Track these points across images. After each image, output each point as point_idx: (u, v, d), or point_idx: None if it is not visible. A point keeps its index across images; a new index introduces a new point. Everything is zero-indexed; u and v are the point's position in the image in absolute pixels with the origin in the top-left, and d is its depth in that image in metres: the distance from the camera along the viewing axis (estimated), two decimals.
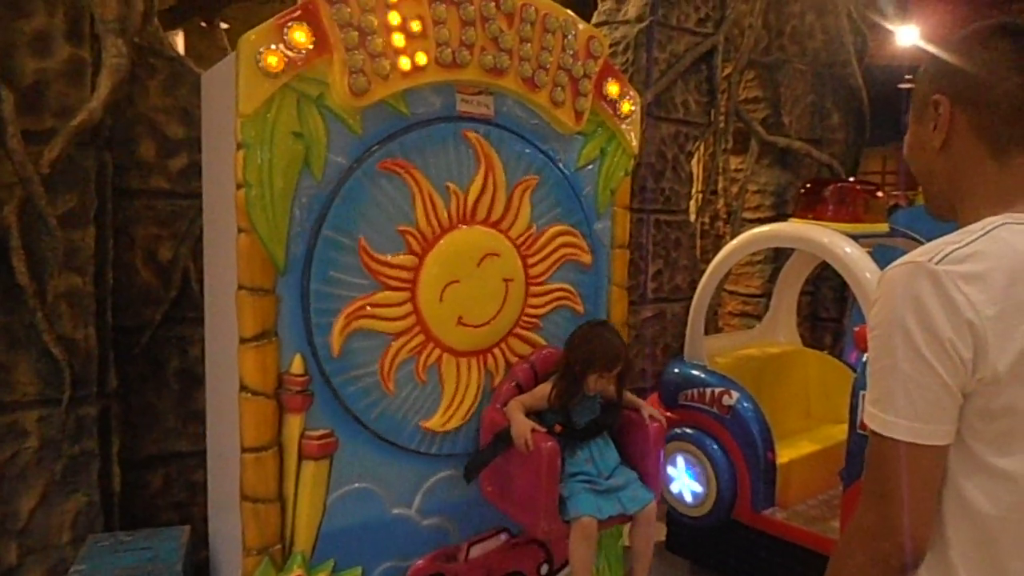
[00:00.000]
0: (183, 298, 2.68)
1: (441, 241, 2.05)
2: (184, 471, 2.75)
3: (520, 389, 2.17)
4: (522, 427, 2.02)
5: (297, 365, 1.91)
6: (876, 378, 0.95)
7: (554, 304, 2.31)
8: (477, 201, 2.11)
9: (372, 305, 1.98)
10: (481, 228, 2.13)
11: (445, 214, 2.06)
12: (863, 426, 2.53)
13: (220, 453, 2.24)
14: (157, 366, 2.70)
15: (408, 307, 2.03)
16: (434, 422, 2.12)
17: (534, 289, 2.25)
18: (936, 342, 0.89)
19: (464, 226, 2.10)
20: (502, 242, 2.17)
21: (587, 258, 2.36)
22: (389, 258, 1.99)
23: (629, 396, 2.25)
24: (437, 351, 2.10)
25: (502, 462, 2.12)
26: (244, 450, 1.90)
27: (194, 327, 2.61)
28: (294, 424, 1.93)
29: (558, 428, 2.08)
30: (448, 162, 2.06)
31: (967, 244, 0.94)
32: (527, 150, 2.20)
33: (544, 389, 2.13)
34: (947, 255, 0.92)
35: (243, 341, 1.87)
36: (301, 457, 1.94)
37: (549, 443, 2.01)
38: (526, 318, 2.25)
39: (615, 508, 2.10)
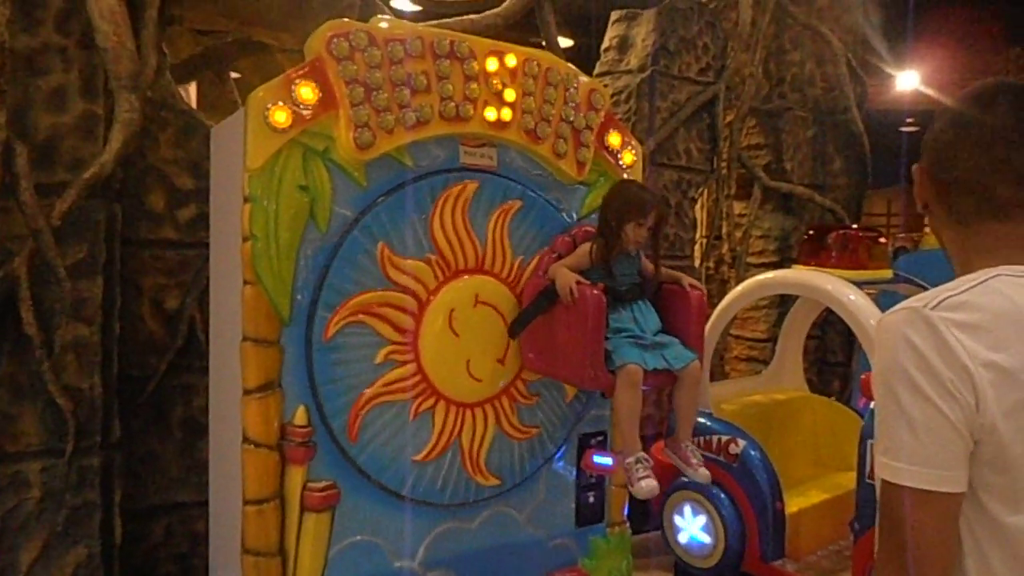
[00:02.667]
0: (189, 347, 2.69)
1: (441, 291, 2.06)
2: (186, 521, 2.73)
3: (560, 259, 2.19)
4: (566, 278, 2.03)
5: (300, 416, 1.91)
6: (884, 427, 0.95)
7: (537, 404, 2.28)
8: (476, 251, 2.13)
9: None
10: (481, 277, 2.13)
11: (442, 267, 2.07)
12: (872, 475, 2.50)
13: (222, 505, 2.22)
14: (161, 415, 2.70)
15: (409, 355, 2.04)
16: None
17: (520, 383, 2.24)
18: (939, 383, 0.89)
19: (467, 276, 2.11)
20: (502, 291, 2.18)
21: None
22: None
23: (668, 270, 2.27)
24: (437, 400, 2.10)
25: (545, 322, 2.11)
26: (246, 502, 1.89)
27: (199, 376, 2.62)
28: (296, 476, 1.92)
29: (601, 286, 2.07)
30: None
31: (962, 292, 0.96)
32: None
33: (584, 248, 2.15)
34: (942, 301, 0.94)
35: (246, 392, 1.88)
36: (303, 509, 1.92)
37: (594, 290, 2.01)
38: (513, 390, 2.22)
39: (660, 363, 2.09)
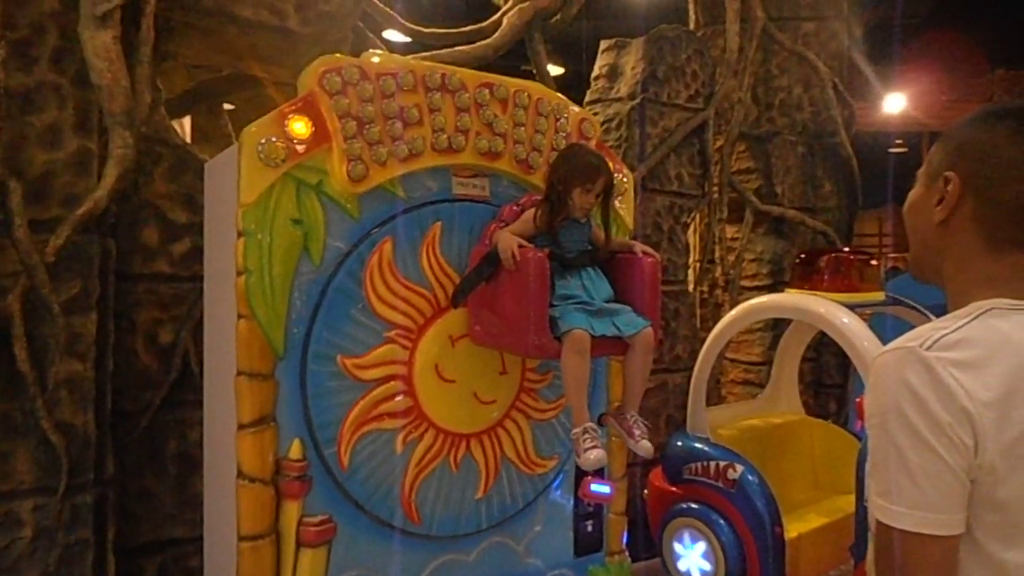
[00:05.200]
0: (183, 381, 2.67)
1: (417, 355, 2.05)
2: (181, 559, 2.70)
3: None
4: (507, 241, 1.95)
5: (295, 450, 1.90)
6: (880, 469, 0.93)
7: (554, 376, 2.30)
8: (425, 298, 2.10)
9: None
10: (444, 318, 2.10)
11: (405, 336, 2.06)
12: None
13: (216, 541, 2.20)
14: (155, 450, 2.68)
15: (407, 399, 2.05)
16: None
17: (530, 373, 2.26)
18: (937, 428, 0.88)
19: (431, 326, 2.08)
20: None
21: None
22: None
23: (620, 239, 2.22)
24: (468, 442, 2.14)
25: (489, 292, 2.04)
26: (241, 538, 1.88)
27: (193, 410, 2.60)
28: (292, 510, 1.90)
29: (545, 251, 2.00)
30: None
31: (956, 330, 0.94)
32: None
33: (529, 213, 2.08)
34: (937, 341, 0.92)
35: (241, 427, 1.87)
36: (299, 545, 1.91)
37: (537, 253, 1.95)
38: (527, 384, 2.25)
39: (609, 329, 2.01)
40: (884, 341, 2.70)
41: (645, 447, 2.11)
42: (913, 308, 3.09)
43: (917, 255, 1.11)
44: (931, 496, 0.89)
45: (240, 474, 1.88)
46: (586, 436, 2.00)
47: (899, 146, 13.55)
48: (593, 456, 1.98)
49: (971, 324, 0.95)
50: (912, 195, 1.10)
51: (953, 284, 1.05)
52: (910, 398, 0.89)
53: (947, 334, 0.93)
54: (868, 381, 0.98)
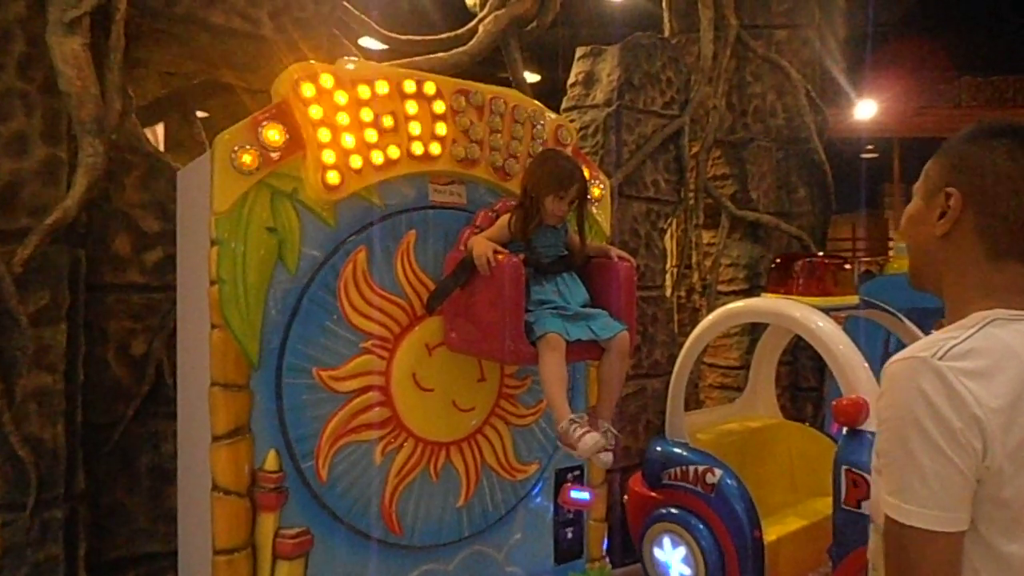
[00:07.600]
0: (156, 393, 2.63)
1: (394, 365, 2.04)
2: (155, 574, 2.64)
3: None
4: (483, 247, 1.95)
5: (271, 461, 1.88)
6: (892, 470, 0.99)
7: (532, 382, 2.30)
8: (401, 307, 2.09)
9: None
10: (420, 327, 2.09)
11: (381, 347, 2.05)
12: (848, 501, 2.51)
13: (191, 555, 2.16)
14: (128, 463, 2.62)
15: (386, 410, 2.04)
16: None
17: (509, 379, 2.26)
18: (949, 434, 0.94)
19: (407, 336, 2.07)
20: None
21: None
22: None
23: (595, 243, 2.21)
24: (447, 451, 2.13)
25: (465, 298, 2.03)
26: (216, 552, 1.85)
27: (167, 422, 2.56)
28: (268, 523, 1.88)
29: (520, 257, 1.99)
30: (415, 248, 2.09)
31: (964, 340, 0.99)
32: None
33: (504, 219, 2.07)
34: (948, 351, 0.98)
35: (215, 438, 1.85)
36: (275, 558, 1.88)
37: (512, 259, 1.94)
38: (506, 390, 2.25)
39: (585, 333, 2.00)
40: (858, 344, 2.75)
41: (605, 460, 2.05)
42: (886, 311, 3.13)
43: (917, 266, 1.16)
44: (940, 496, 0.95)
45: (215, 486, 1.85)
46: (574, 426, 1.92)
47: (870, 151, 13.79)
48: (590, 440, 1.88)
49: (977, 334, 1.00)
50: (911, 209, 1.16)
51: (952, 293, 1.10)
52: (924, 405, 0.95)
53: (956, 344, 0.99)
54: (881, 386, 1.02)
